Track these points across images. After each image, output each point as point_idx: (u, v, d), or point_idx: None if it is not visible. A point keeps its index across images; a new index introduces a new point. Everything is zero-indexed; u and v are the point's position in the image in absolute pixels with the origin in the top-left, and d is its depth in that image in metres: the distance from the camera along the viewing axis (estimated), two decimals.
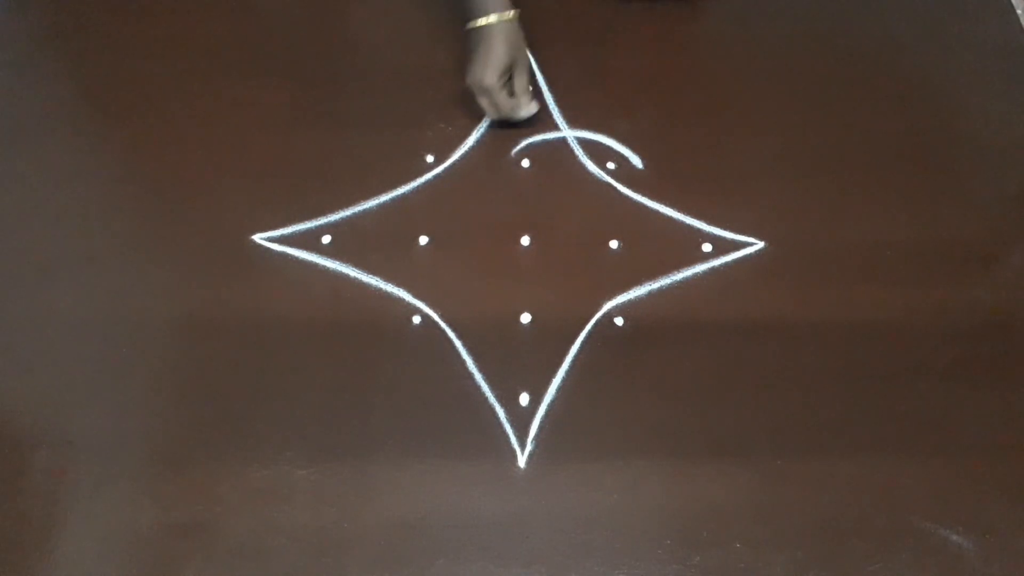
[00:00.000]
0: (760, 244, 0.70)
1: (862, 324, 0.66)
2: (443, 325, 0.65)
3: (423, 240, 0.70)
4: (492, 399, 0.62)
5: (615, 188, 0.73)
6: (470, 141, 0.75)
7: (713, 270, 0.69)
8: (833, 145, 0.75)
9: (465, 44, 0.73)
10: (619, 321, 0.66)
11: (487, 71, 0.69)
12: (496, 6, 0.70)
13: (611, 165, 0.74)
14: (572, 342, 0.65)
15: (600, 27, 0.84)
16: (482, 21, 0.70)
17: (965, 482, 0.59)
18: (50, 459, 0.60)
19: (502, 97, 0.71)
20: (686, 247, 0.70)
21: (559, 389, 0.63)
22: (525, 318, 0.66)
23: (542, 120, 0.76)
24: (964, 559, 0.56)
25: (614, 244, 0.70)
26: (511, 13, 0.71)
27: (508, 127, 0.76)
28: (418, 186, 0.73)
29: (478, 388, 0.63)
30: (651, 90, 0.79)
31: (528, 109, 0.73)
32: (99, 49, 0.82)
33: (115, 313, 0.67)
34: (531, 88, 0.74)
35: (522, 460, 0.60)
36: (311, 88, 0.79)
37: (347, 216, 0.71)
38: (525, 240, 0.70)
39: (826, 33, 0.84)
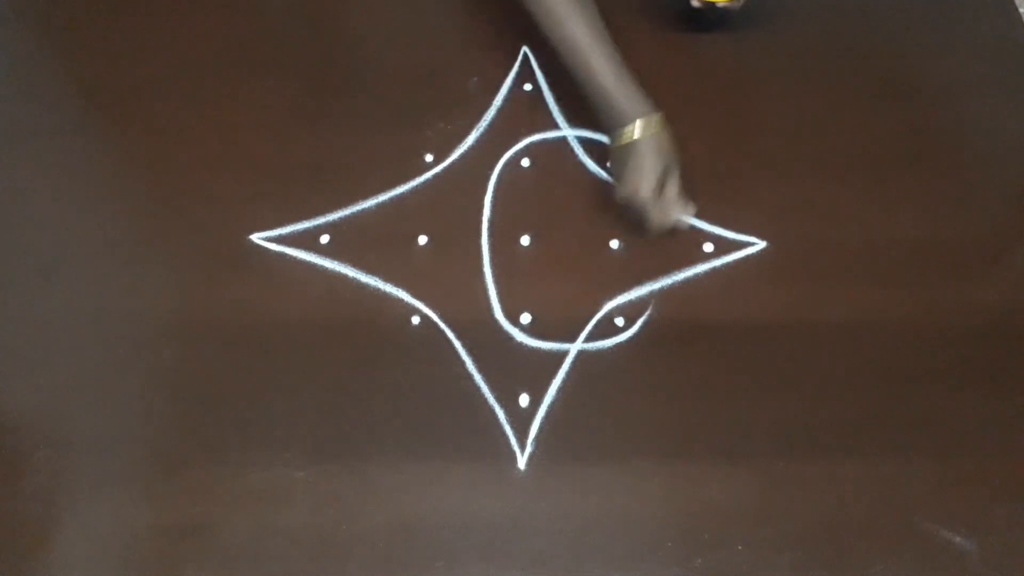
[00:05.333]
0: (761, 244, 0.69)
1: (863, 324, 0.65)
2: (442, 325, 0.65)
3: (422, 240, 0.70)
4: (492, 400, 0.62)
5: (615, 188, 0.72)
6: (470, 141, 0.75)
7: (714, 270, 0.68)
8: (834, 145, 0.75)
9: (611, 158, 0.68)
10: (619, 321, 0.66)
11: (641, 183, 0.64)
12: (637, 109, 0.64)
13: (611, 165, 0.74)
14: (572, 342, 0.65)
15: None
16: (627, 138, 0.64)
17: (967, 483, 0.59)
18: (49, 460, 0.60)
19: (657, 208, 0.65)
20: (687, 247, 0.69)
21: (559, 390, 0.63)
22: (525, 318, 0.66)
23: (542, 119, 0.76)
24: (966, 560, 0.56)
25: (614, 244, 0.70)
26: (655, 118, 0.64)
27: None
28: (417, 186, 0.73)
29: (478, 389, 0.63)
30: (651, 89, 0.79)
31: (685, 214, 0.66)
32: (99, 49, 0.82)
33: (114, 313, 0.66)
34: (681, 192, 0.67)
35: (522, 461, 0.60)
36: (311, 88, 0.79)
37: (346, 216, 0.71)
38: (525, 240, 0.70)
39: (827, 33, 0.83)
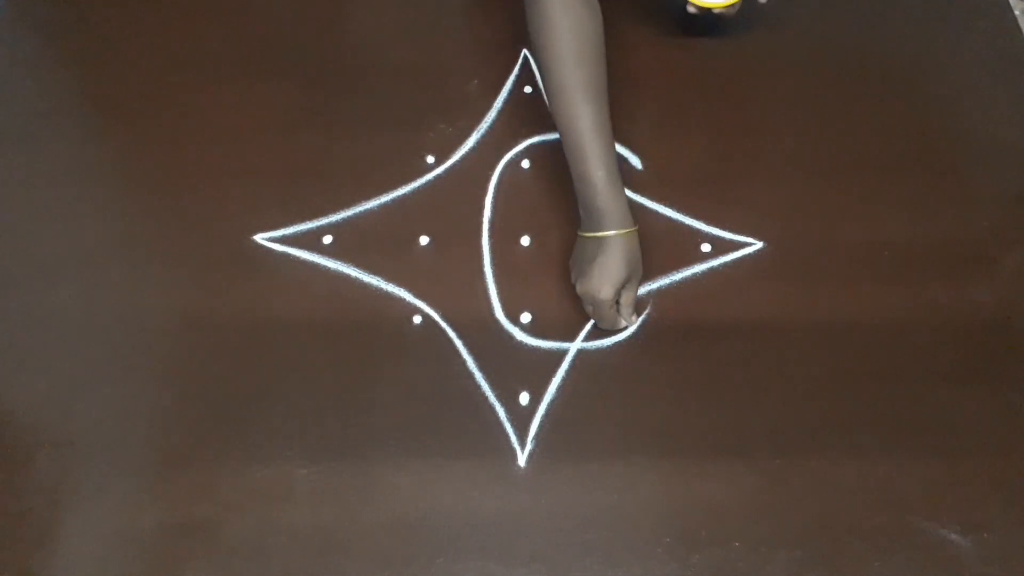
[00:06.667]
0: (759, 244, 0.70)
1: (861, 324, 0.66)
2: (443, 324, 0.66)
3: (424, 240, 0.70)
4: (492, 398, 0.63)
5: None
6: (470, 142, 0.76)
7: (712, 270, 0.69)
8: (832, 145, 0.76)
9: (578, 247, 0.66)
10: None
11: (604, 286, 0.62)
12: (618, 222, 0.63)
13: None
14: (572, 341, 0.65)
15: None
16: (602, 233, 0.63)
17: (963, 481, 0.59)
18: (51, 459, 0.60)
19: (610, 311, 0.64)
20: (686, 247, 0.70)
21: (559, 388, 0.63)
22: (525, 317, 0.66)
23: (542, 120, 0.77)
24: (962, 558, 0.57)
25: None
26: (632, 228, 0.64)
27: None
28: (419, 187, 0.73)
29: (478, 388, 0.63)
30: (651, 90, 0.79)
31: (630, 323, 0.65)
32: (99, 49, 0.82)
33: (116, 313, 0.67)
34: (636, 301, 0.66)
35: (522, 459, 0.60)
36: (311, 88, 0.79)
37: (348, 216, 0.71)
38: (525, 240, 0.70)
39: (825, 34, 0.84)
